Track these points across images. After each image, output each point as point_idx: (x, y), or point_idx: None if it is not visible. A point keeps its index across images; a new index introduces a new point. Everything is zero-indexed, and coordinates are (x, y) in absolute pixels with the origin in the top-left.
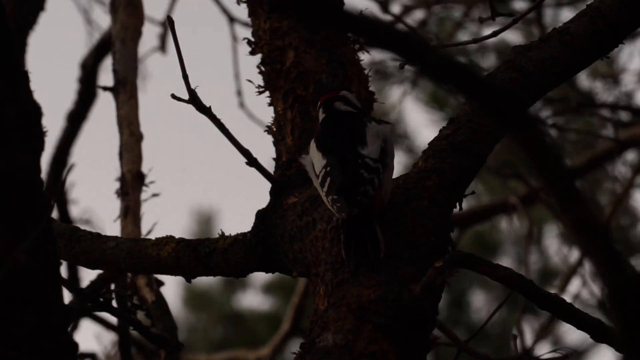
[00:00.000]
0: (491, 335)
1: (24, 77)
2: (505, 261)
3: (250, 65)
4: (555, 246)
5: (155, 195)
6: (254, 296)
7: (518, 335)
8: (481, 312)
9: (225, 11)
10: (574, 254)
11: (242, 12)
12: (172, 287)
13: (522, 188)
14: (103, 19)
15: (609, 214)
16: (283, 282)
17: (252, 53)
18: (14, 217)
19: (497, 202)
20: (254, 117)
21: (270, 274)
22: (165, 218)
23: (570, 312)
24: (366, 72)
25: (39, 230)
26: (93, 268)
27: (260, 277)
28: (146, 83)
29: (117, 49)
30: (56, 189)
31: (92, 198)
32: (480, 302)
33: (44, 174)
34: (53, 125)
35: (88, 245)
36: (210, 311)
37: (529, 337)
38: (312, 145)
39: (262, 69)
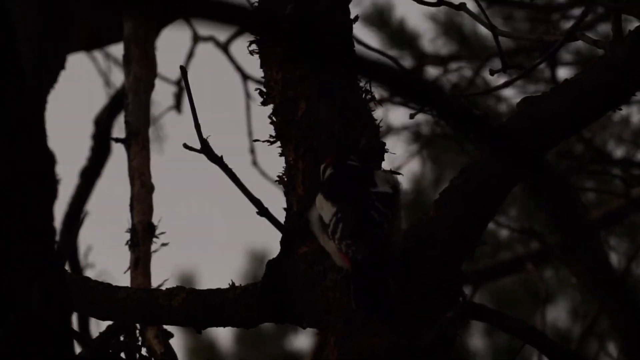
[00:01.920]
0: None
1: (42, 124)
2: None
3: (262, 115)
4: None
5: (164, 244)
6: (305, 337)
7: None
8: None
9: (239, 68)
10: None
11: (255, 68)
12: (178, 339)
13: (536, 245)
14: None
15: (626, 265)
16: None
17: (264, 104)
18: (26, 263)
19: (511, 259)
20: (266, 175)
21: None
22: (176, 268)
23: None
24: (377, 122)
25: (52, 276)
26: (104, 319)
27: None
28: (161, 141)
29: (129, 100)
30: (69, 239)
31: (102, 250)
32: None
33: (57, 229)
34: (67, 182)
35: (99, 296)
36: (262, 350)
37: None
38: (319, 198)
39: (274, 119)
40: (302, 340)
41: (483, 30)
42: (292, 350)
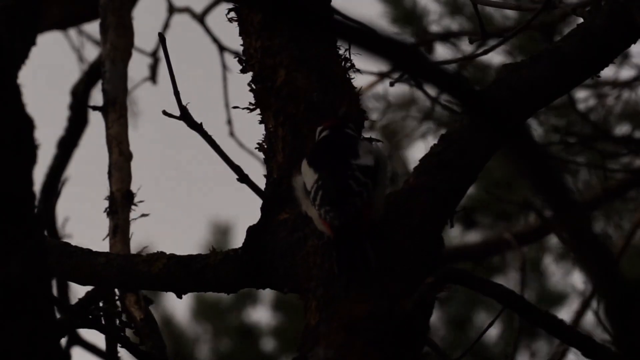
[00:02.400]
0: (495, 354)
1: (16, 89)
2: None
3: (240, 86)
4: (557, 276)
5: (144, 215)
6: (263, 311)
7: (510, 356)
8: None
9: (215, 40)
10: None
11: (232, 40)
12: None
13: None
14: (94, 54)
15: (623, 244)
16: (292, 299)
17: (243, 71)
18: (5, 229)
19: (494, 238)
20: (244, 146)
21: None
22: (154, 237)
23: (561, 328)
24: (357, 90)
25: (31, 243)
26: (83, 284)
27: (269, 292)
28: (137, 111)
29: (107, 68)
30: (47, 206)
31: (81, 219)
32: (482, 323)
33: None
34: (45, 153)
35: (79, 261)
36: (218, 323)
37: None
38: (304, 163)
39: (253, 87)
40: (260, 313)
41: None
42: (250, 322)
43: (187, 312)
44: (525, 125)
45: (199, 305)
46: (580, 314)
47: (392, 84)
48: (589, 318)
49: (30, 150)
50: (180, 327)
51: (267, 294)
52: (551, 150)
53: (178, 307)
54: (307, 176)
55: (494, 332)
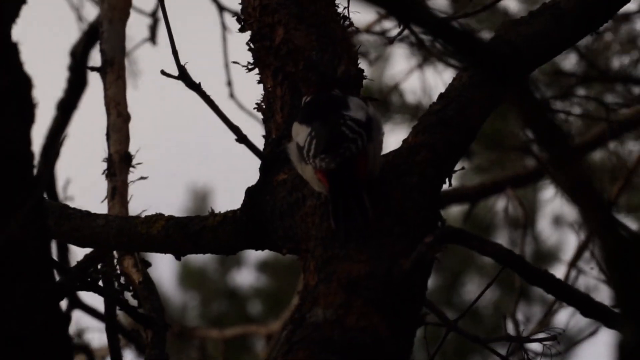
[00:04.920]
0: (485, 317)
1: (14, 47)
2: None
3: (241, 44)
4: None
5: (142, 178)
6: (248, 274)
7: (509, 316)
8: (475, 295)
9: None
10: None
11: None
12: (166, 265)
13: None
14: (94, 14)
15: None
16: (277, 261)
17: (242, 30)
18: (4, 189)
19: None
20: (243, 107)
21: (263, 253)
22: (153, 199)
23: (560, 287)
24: (356, 48)
25: (30, 204)
26: (82, 246)
27: (254, 255)
28: (136, 74)
29: (104, 29)
30: (47, 166)
31: (80, 181)
32: (475, 285)
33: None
34: (43, 116)
35: (77, 223)
36: (205, 289)
37: (529, 324)
38: (294, 125)
39: (252, 45)
40: (244, 276)
41: None
42: (235, 286)
43: (173, 280)
44: (526, 78)
45: (184, 271)
46: (572, 265)
47: (391, 41)
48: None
49: (28, 109)
50: (167, 295)
51: (250, 256)
52: (551, 99)
53: (164, 275)
54: (300, 134)
55: (487, 297)
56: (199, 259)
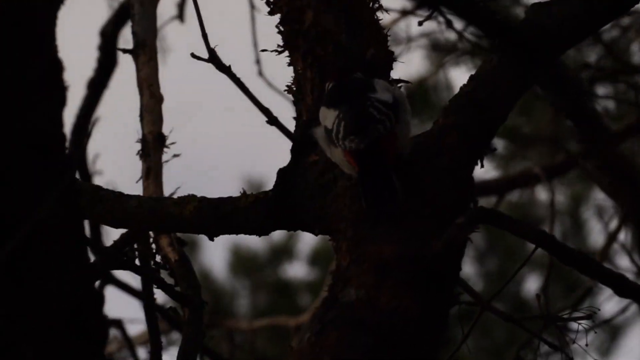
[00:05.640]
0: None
1: (52, 33)
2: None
3: (270, 26)
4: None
5: (176, 155)
6: (299, 266)
7: (542, 295)
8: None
9: None
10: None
11: None
12: (219, 252)
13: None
14: None
15: None
16: (328, 252)
17: (271, 13)
18: (37, 171)
19: (524, 172)
20: (273, 85)
21: (314, 244)
22: (187, 179)
23: (594, 267)
24: (385, 32)
25: (63, 185)
26: (116, 227)
27: (305, 247)
28: (165, 52)
29: (135, 11)
30: (78, 147)
31: (111, 162)
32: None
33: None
34: (74, 96)
35: (110, 205)
36: (255, 278)
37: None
38: (321, 110)
39: (281, 28)
40: (297, 268)
41: None
42: (286, 278)
43: (225, 267)
44: (558, 60)
45: (236, 260)
46: (607, 247)
47: (420, 23)
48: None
49: (60, 92)
50: (218, 282)
51: (302, 248)
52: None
53: (216, 262)
54: (327, 117)
55: (533, 286)
56: (250, 247)
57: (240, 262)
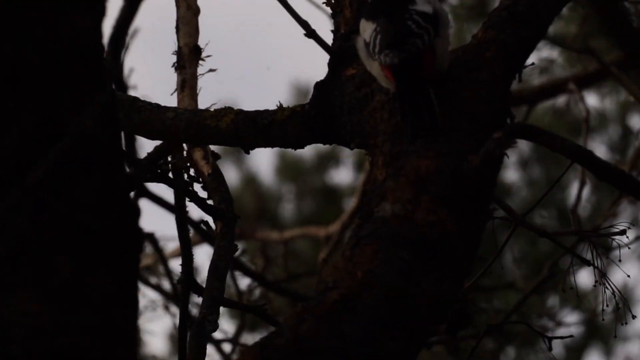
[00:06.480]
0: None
1: None
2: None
3: None
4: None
5: (211, 70)
6: (346, 172)
7: (575, 210)
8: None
9: None
10: None
11: None
12: (266, 157)
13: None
14: None
15: None
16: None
17: None
18: (77, 82)
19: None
20: (312, 1)
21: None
22: (221, 94)
23: (631, 182)
24: None
25: (102, 97)
26: (152, 139)
27: (352, 153)
28: None
29: None
30: (116, 58)
31: (147, 74)
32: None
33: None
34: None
35: (147, 116)
36: (302, 182)
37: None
38: (362, 21)
39: None
40: (343, 174)
41: None
42: (332, 183)
43: (271, 171)
44: None
45: (282, 164)
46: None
47: None
48: None
49: (100, 2)
50: (264, 185)
51: (348, 154)
52: None
53: (262, 166)
54: (366, 30)
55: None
56: (296, 153)
57: (287, 167)
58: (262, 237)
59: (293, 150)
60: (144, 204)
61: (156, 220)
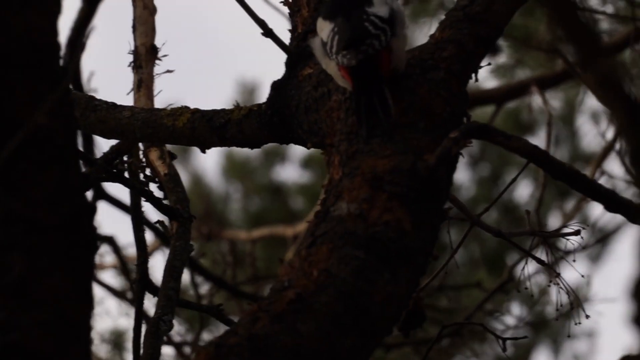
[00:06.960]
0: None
1: None
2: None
3: None
4: (587, 128)
5: (169, 71)
6: (292, 170)
7: (532, 211)
8: (513, 192)
9: None
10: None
11: None
12: (212, 157)
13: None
14: None
15: None
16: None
17: None
18: (31, 79)
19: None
20: (268, 1)
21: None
22: (178, 93)
23: (585, 183)
24: None
25: (57, 94)
26: (108, 138)
27: (299, 151)
28: None
29: None
30: (73, 57)
31: (105, 74)
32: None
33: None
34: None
35: (103, 115)
36: (248, 182)
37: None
38: (318, 21)
39: None
40: (289, 171)
41: None
42: (279, 181)
43: (217, 171)
44: None
45: (228, 164)
46: (601, 160)
47: None
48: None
49: (55, 0)
50: (211, 186)
51: (295, 151)
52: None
53: (208, 166)
54: (323, 30)
55: (525, 192)
56: (243, 152)
57: (233, 166)
58: (230, 236)
59: (250, 149)
60: (102, 206)
61: (116, 225)
